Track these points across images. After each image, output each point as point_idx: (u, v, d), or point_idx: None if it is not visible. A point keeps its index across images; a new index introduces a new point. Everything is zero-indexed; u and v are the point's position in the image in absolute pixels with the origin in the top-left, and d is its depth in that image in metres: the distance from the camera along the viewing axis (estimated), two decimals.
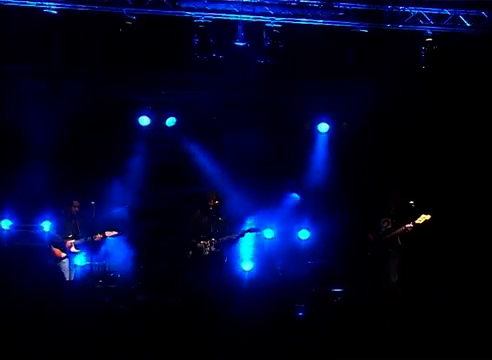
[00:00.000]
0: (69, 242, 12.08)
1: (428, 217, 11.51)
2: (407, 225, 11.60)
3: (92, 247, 12.55)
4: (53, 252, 12.06)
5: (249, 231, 12.56)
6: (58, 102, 13.20)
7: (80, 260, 12.37)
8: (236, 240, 12.50)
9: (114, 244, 13.08)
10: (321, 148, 14.05)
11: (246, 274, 13.00)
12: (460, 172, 13.17)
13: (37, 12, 11.41)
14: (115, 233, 12.35)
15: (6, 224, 12.86)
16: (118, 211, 13.51)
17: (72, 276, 12.18)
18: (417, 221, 11.53)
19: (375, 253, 11.92)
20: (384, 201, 12.14)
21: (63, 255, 12.04)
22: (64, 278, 12.04)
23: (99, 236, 12.17)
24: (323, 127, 14.01)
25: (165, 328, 8.77)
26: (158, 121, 13.93)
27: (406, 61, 12.27)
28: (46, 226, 12.91)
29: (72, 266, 12.26)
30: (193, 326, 8.83)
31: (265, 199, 13.63)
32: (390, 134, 13.56)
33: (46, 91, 13.18)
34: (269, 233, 13.42)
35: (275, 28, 11.78)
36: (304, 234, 13.57)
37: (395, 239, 11.82)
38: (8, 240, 12.79)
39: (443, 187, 13.10)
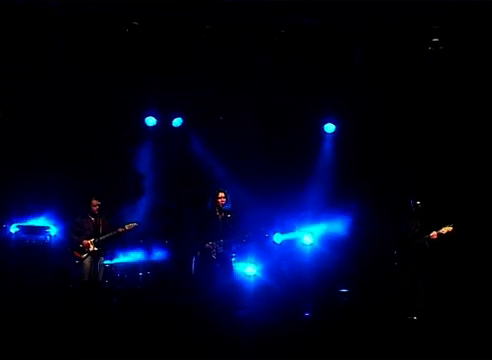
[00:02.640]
0: (87, 242, 12.07)
1: (451, 228, 11.49)
2: (432, 234, 11.54)
3: (114, 242, 12.76)
4: (73, 255, 12.06)
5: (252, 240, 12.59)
6: (65, 103, 13.26)
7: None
8: (243, 244, 12.48)
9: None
10: (327, 148, 14.06)
11: (251, 277, 12.96)
12: (463, 170, 13.10)
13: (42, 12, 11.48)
14: (135, 225, 12.39)
15: (14, 227, 12.95)
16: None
17: (100, 276, 12.17)
18: (440, 231, 11.51)
19: (410, 256, 11.72)
20: (406, 202, 12.00)
21: (84, 256, 12.04)
22: (70, 279, 12.13)
23: (121, 230, 12.25)
24: (329, 127, 14.02)
25: (171, 328, 8.80)
26: (164, 121, 13.98)
27: (412, 60, 12.25)
28: (52, 230, 13.04)
29: (101, 266, 12.24)
30: (199, 327, 8.86)
31: (271, 200, 13.65)
32: (399, 134, 13.52)
33: (52, 92, 13.20)
34: (278, 238, 13.43)
35: (281, 29, 11.82)
36: (307, 239, 13.47)
37: (424, 245, 11.74)
38: (15, 243, 12.86)
39: (451, 187, 13.07)
